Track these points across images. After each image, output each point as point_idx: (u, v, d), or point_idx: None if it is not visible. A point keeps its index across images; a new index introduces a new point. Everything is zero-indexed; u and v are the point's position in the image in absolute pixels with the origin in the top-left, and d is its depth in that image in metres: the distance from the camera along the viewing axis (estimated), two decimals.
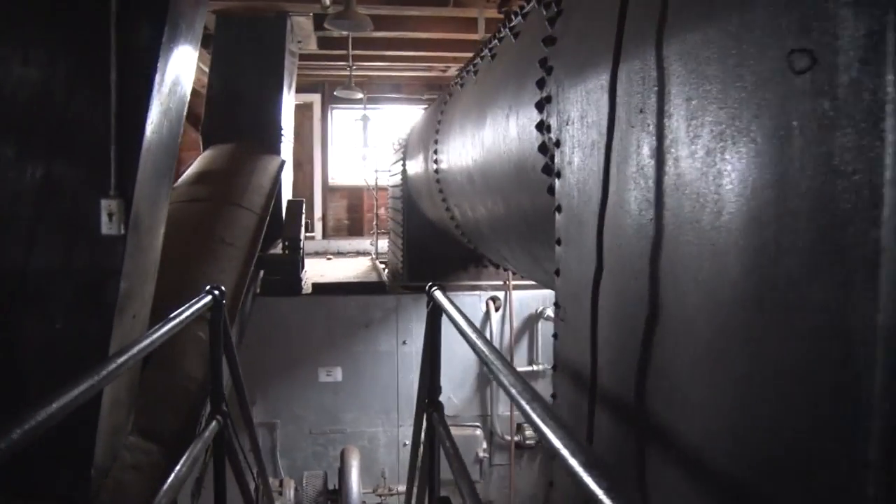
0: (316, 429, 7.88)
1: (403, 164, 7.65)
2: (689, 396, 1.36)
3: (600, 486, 1.08)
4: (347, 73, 10.07)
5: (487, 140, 3.31)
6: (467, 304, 7.63)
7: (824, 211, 0.99)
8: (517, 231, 3.35)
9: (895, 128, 0.87)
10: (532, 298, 8.09)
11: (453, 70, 11.06)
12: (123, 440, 3.18)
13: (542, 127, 2.33)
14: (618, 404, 1.69)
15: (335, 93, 10.50)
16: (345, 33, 7.45)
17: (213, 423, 3.17)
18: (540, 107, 2.34)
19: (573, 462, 1.20)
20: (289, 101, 8.52)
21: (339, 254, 12.29)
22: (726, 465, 1.25)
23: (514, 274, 5.82)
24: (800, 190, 1.05)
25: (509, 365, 2.06)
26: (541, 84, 2.34)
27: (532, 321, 8.05)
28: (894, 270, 0.88)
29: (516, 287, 7.90)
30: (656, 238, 1.50)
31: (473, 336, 2.51)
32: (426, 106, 8.91)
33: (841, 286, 0.96)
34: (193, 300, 2.92)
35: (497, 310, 7.91)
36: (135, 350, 2.12)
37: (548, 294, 8.14)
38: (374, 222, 11.18)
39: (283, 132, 8.11)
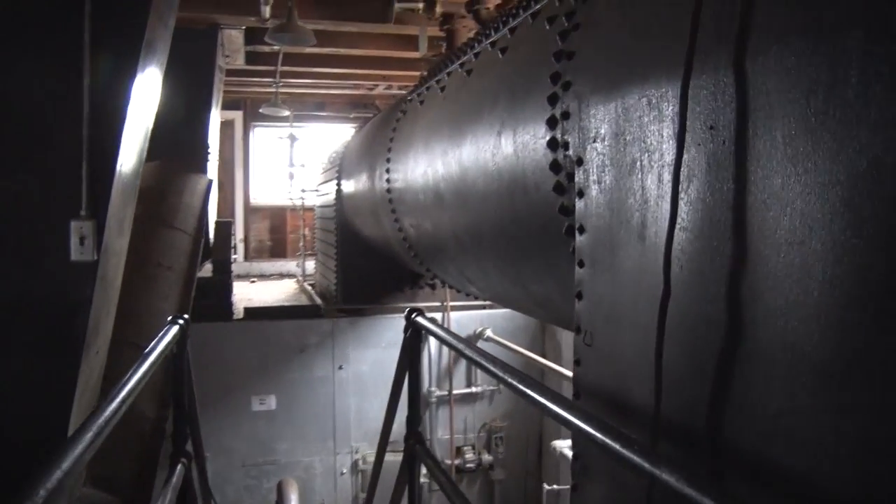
0: (249, 460, 7.49)
1: (338, 184, 7.44)
2: (790, 427, 1.29)
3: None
4: (272, 89, 9.76)
5: (467, 157, 3.20)
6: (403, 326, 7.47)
7: None
8: (497, 251, 3.25)
9: None
10: (470, 319, 8.04)
11: (381, 88, 10.93)
12: (77, 492, 2.84)
13: (556, 144, 2.25)
14: (682, 434, 1.60)
15: (261, 110, 10.15)
16: (278, 48, 7.20)
17: (179, 466, 2.89)
18: (552, 123, 2.26)
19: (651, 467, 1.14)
20: (215, 117, 8.17)
21: (263, 276, 11.85)
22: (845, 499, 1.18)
23: (460, 293, 5.72)
24: None
25: (530, 378, 1.99)
26: (553, 100, 2.26)
27: (471, 342, 7.97)
28: None
29: (454, 308, 7.82)
30: (736, 261, 1.42)
31: (478, 357, 2.42)
32: (357, 125, 8.73)
33: None
34: (161, 333, 2.66)
35: None
36: (124, 393, 1.89)
37: (485, 315, 8.11)
38: (302, 243, 10.85)
39: (209, 150, 7.75)
